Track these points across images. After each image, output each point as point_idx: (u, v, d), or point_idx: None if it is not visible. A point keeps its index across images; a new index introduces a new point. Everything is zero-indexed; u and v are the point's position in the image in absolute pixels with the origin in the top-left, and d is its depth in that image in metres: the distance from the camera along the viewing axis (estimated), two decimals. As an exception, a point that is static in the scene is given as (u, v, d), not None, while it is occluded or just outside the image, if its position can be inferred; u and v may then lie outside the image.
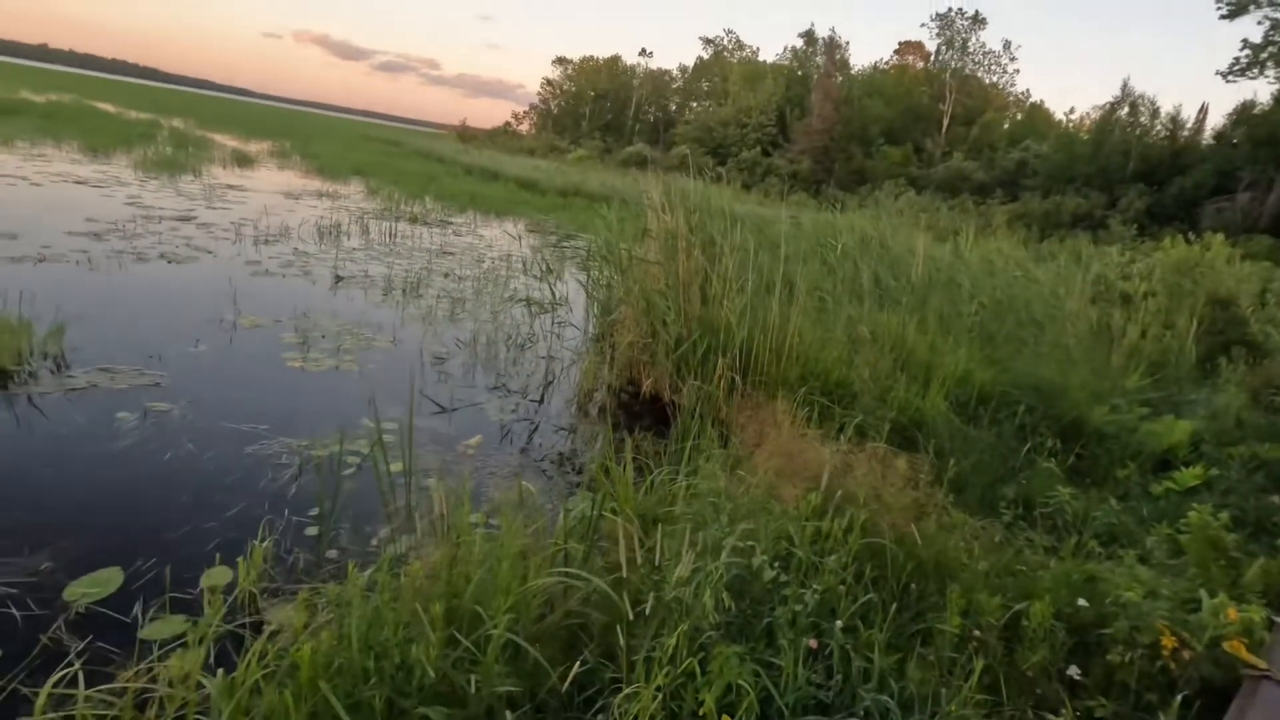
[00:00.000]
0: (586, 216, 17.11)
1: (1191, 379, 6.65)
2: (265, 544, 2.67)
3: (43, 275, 6.05)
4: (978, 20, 52.57)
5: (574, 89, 71.92)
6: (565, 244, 13.32)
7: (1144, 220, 26.88)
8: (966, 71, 52.59)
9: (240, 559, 2.54)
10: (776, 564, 2.07)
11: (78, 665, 1.89)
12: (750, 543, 2.09)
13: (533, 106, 76.88)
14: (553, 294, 7.76)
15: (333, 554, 2.91)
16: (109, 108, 32.40)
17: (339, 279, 7.79)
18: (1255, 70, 29.01)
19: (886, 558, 2.40)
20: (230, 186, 13.82)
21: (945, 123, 48.93)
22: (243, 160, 19.27)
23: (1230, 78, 29.77)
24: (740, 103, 52.66)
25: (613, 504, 2.66)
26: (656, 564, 2.09)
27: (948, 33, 53.31)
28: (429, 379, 5.23)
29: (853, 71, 55.37)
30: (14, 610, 2.32)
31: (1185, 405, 5.53)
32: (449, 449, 4.11)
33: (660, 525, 2.35)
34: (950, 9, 53.07)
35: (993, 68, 54.09)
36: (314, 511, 3.17)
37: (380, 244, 10.33)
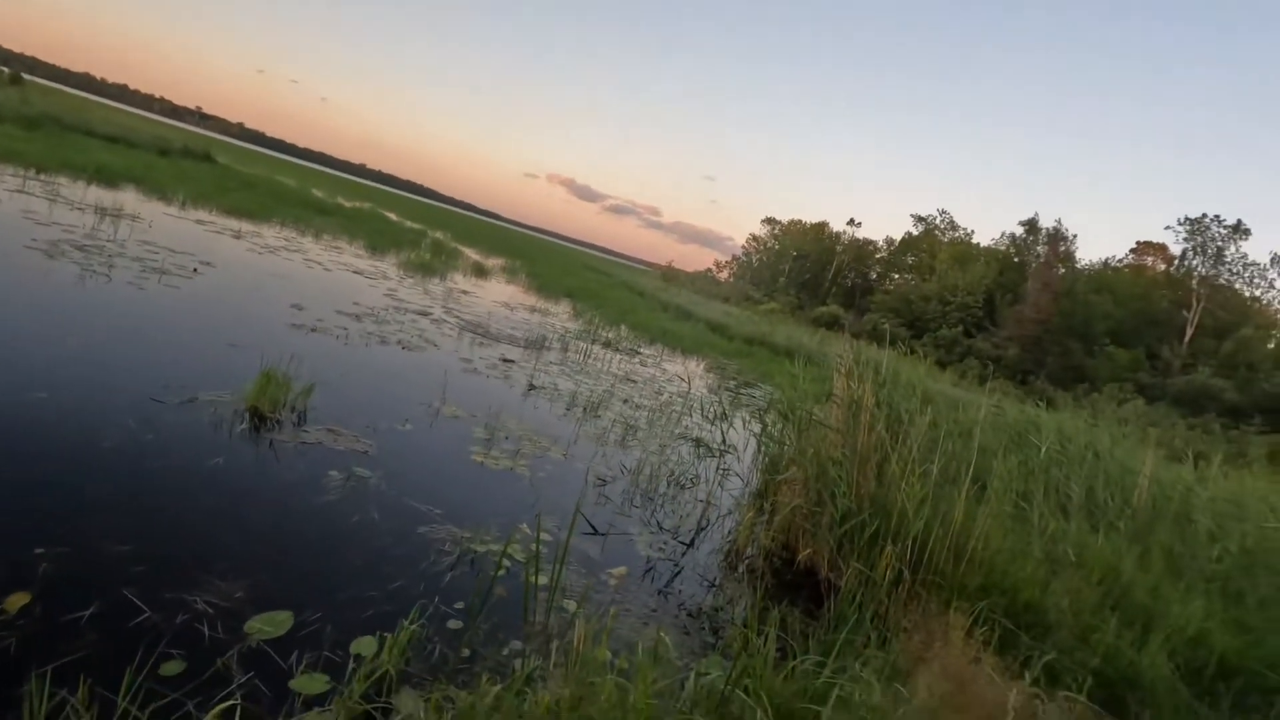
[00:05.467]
0: (767, 366, 17.25)
1: None
2: (413, 627, 2.81)
3: (311, 342, 7.31)
4: (1239, 230, 47.64)
5: (777, 247, 75.32)
6: (742, 390, 13.44)
7: None
8: (1220, 280, 47.20)
9: (388, 635, 2.69)
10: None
11: (237, 698, 2.07)
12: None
13: (735, 258, 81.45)
14: (723, 438, 7.77)
15: (467, 653, 2.97)
16: (393, 216, 39.71)
17: (532, 387, 8.49)
18: None
19: None
20: (465, 292, 15.99)
21: (1189, 332, 43.69)
22: (479, 271, 22.33)
23: None
24: (946, 280, 51.53)
25: (747, 681, 2.46)
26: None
27: (1199, 238, 48.74)
28: (589, 498, 5.38)
29: (1078, 265, 52.16)
30: (205, 629, 2.63)
31: None
32: (593, 574, 4.12)
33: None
34: (1205, 214, 48.74)
35: (1254, 281, 48.04)
36: (459, 605, 3.29)
37: (574, 362, 11.19)
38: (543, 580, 3.54)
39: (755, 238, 78.83)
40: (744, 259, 79.23)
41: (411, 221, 40.40)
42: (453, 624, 3.16)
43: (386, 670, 2.59)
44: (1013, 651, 3.63)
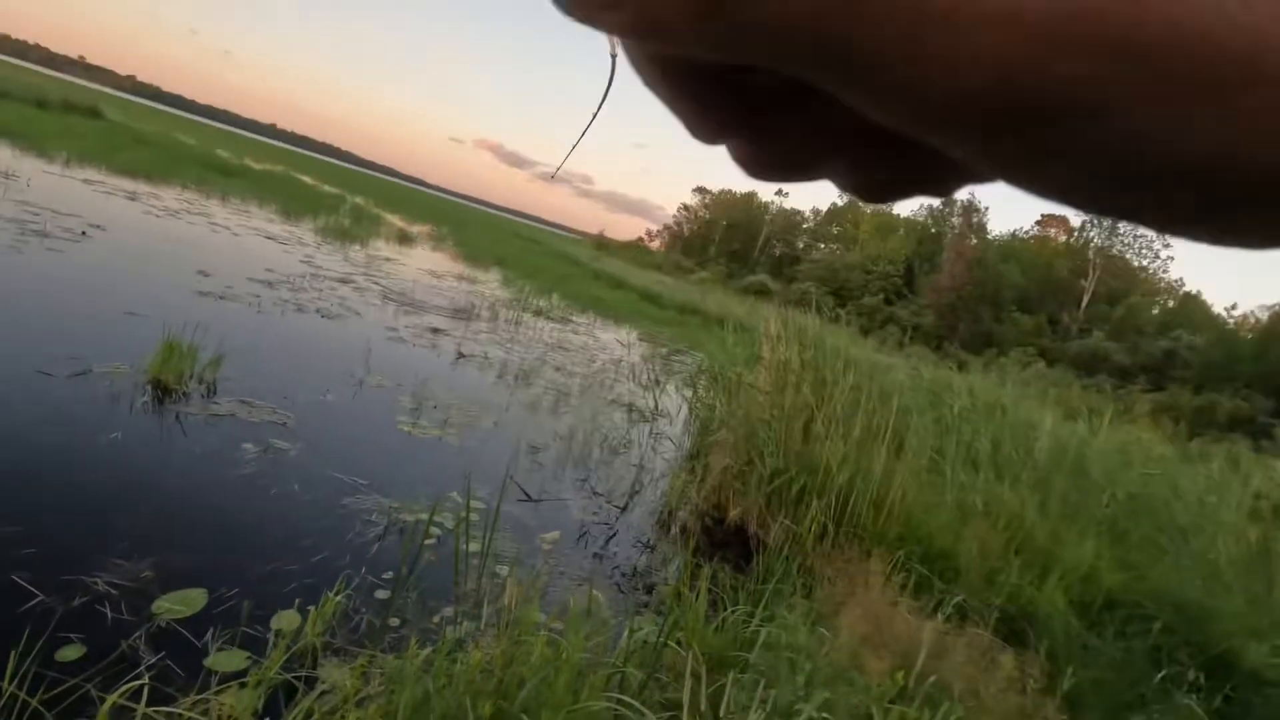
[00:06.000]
0: (700, 334, 17.47)
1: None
2: (338, 598, 2.73)
3: (219, 310, 6.87)
4: (1130, 203, 51.26)
5: (708, 216, 75.90)
6: (674, 358, 13.57)
7: (1320, 437, 23.88)
8: (1114, 251, 50.81)
9: (311, 608, 2.60)
10: (852, 747, 1.85)
11: (146, 679, 1.96)
12: (826, 716, 1.89)
13: (666, 227, 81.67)
14: (655, 404, 7.84)
15: (396, 622, 2.91)
16: (309, 180, 37.60)
17: (461, 355, 8.30)
18: None
19: (981, 770, 2.09)
20: (388, 259, 15.38)
21: (1085, 299, 46.94)
22: (404, 238, 21.50)
23: None
24: (868, 250, 53.33)
25: (680, 634, 2.52)
26: (720, 715, 1.92)
27: (1096, 211, 52.25)
28: (521, 465, 5.33)
29: (989, 236, 54.97)
30: (108, 610, 2.46)
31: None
32: (527, 539, 4.10)
33: (730, 672, 2.18)
34: (1102, 189, 52.00)
35: (1143, 251, 51.99)
36: (388, 575, 3.22)
37: (504, 331, 10.99)
38: (475, 547, 3.49)
39: (687, 207, 79.23)
40: (675, 229, 79.56)
41: (329, 186, 38.39)
42: (381, 594, 3.08)
43: (311, 642, 2.51)
44: (927, 594, 3.86)
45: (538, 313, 14.12)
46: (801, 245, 71.15)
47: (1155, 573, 5.22)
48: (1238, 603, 4.95)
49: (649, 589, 4.07)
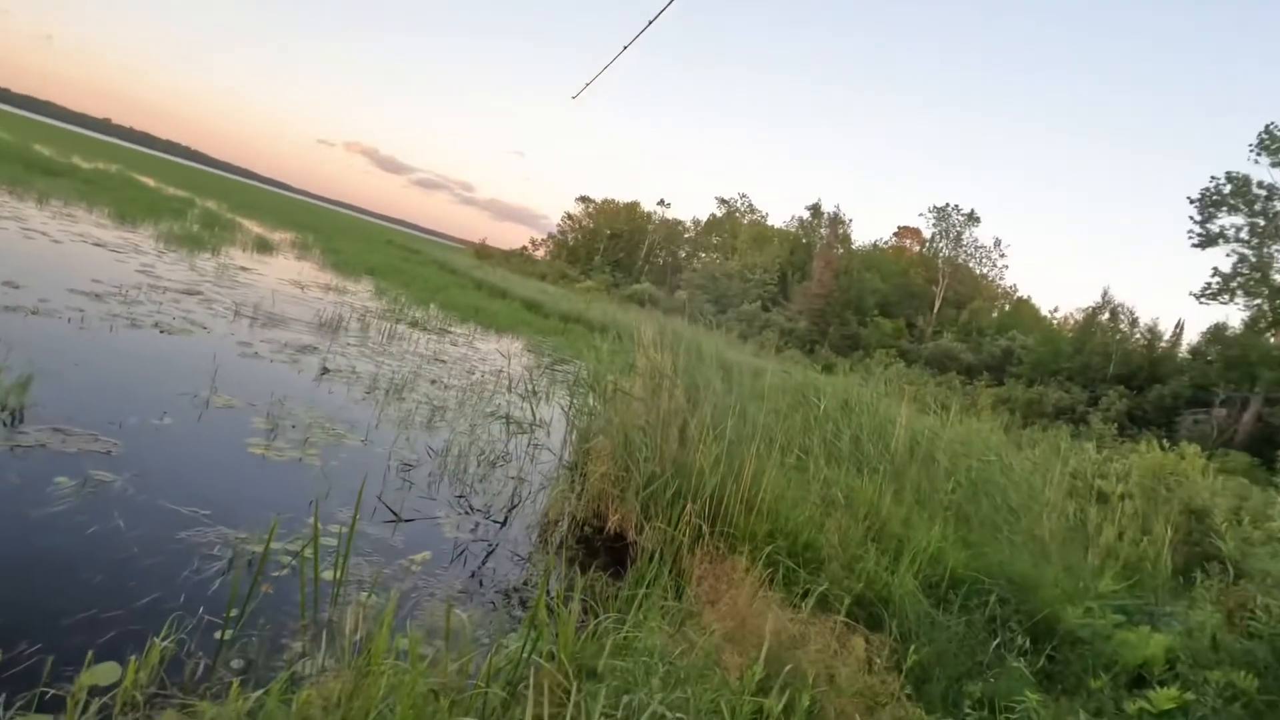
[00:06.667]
0: (584, 343, 17.48)
1: (1168, 589, 6.47)
2: (166, 643, 2.46)
3: (30, 327, 6.05)
4: (972, 218, 56.94)
5: (592, 225, 76.26)
6: (557, 367, 13.48)
7: (1124, 421, 27.57)
8: (960, 260, 56.15)
9: (134, 658, 2.32)
10: (705, 743, 1.89)
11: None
12: (679, 716, 1.92)
13: (550, 236, 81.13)
14: (534, 415, 7.74)
15: (239, 663, 2.67)
16: (150, 181, 34.05)
17: (325, 371, 7.79)
18: (1225, 296, 31.06)
19: (831, 750, 2.20)
20: (244, 269, 14.20)
21: (937, 304, 51.53)
22: (263, 246, 19.94)
23: (1203, 299, 31.79)
24: (746, 259, 55.68)
25: (552, 647, 2.48)
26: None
27: (943, 224, 57.54)
28: (390, 485, 5.07)
29: (853, 246, 59.06)
30: None
31: (1161, 617, 5.34)
32: (393, 562, 3.90)
33: (597, 682, 2.17)
34: (947, 204, 57.75)
35: (984, 260, 57.88)
36: (234, 613, 2.94)
37: (376, 344, 10.45)
38: (332, 576, 3.27)
39: (571, 216, 79.10)
40: (560, 237, 79.22)
41: (174, 188, 34.94)
42: (225, 634, 2.81)
43: (131, 694, 2.24)
44: (795, 586, 4.05)
45: (413, 324, 13.55)
46: (683, 254, 73.09)
47: (992, 550, 5.77)
48: (1057, 571, 5.58)
49: (525, 604, 3.99)
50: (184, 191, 34.08)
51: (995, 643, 4.30)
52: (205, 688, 2.38)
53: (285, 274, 15.82)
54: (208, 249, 15.33)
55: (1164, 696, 3.78)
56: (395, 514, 4.56)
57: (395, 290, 18.09)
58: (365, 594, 3.20)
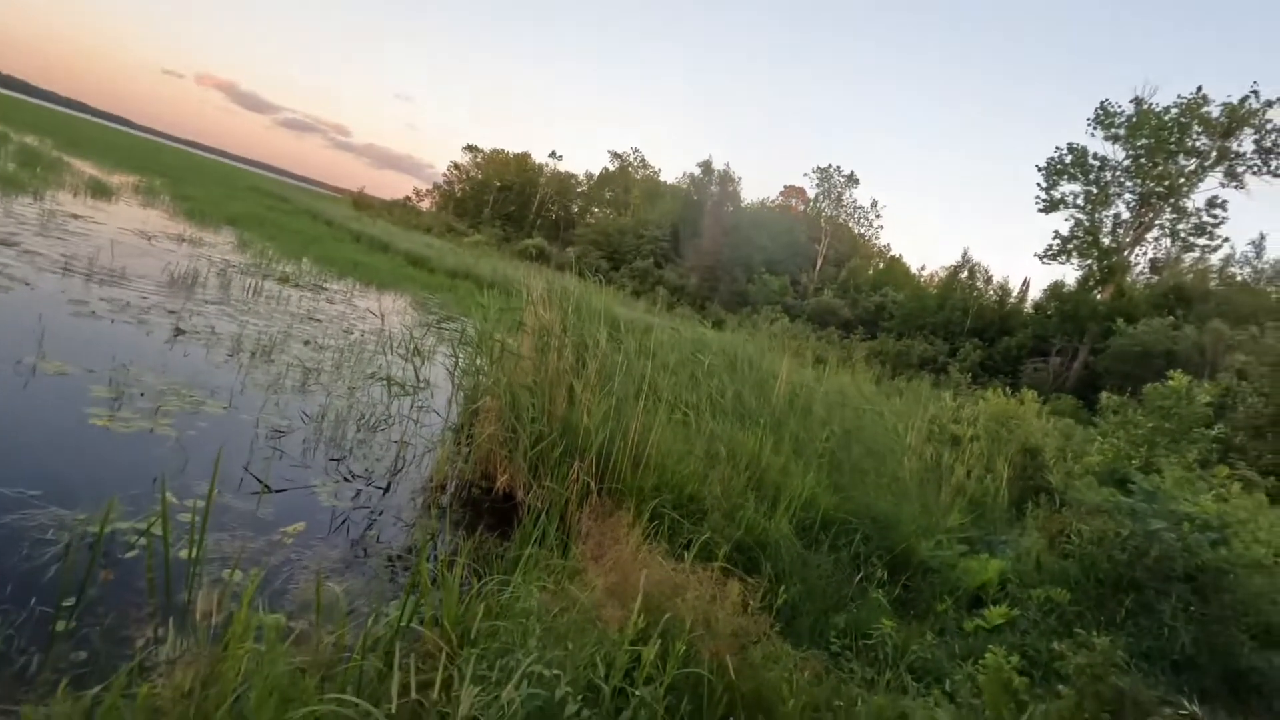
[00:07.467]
0: (472, 300, 16.95)
1: (1005, 520, 7.32)
2: (-13, 641, 2.20)
3: None
4: (851, 179, 59.73)
5: (480, 177, 73.23)
6: (443, 326, 13.02)
7: (978, 371, 30.48)
8: (840, 220, 58.98)
9: (-55, 660, 2.07)
10: (583, 696, 1.95)
11: None
12: (556, 672, 1.96)
13: (436, 186, 77.19)
14: (416, 375, 7.46)
15: (82, 655, 2.44)
16: (-52, 110, 29.03)
17: (179, 332, 7.10)
18: (1064, 257, 34.73)
19: (705, 689, 2.34)
20: (75, 216, 12.53)
21: (819, 262, 54.05)
22: (99, 190, 17.63)
23: (1045, 260, 35.36)
24: (639, 215, 55.67)
25: (435, 613, 2.44)
26: (454, 691, 1.90)
27: (825, 184, 60.01)
28: (259, 454, 4.75)
29: (743, 204, 60.47)
30: None
31: (998, 545, 6.04)
32: (264, 535, 3.69)
33: (478, 645, 2.17)
34: (830, 165, 60.14)
35: (861, 220, 61.09)
36: (70, 602, 2.68)
37: (239, 302, 9.61)
38: (192, 554, 3.04)
39: (458, 166, 75.36)
40: (446, 189, 75.45)
41: (-18, 119, 30.00)
42: (61, 625, 2.56)
43: (-56, 704, 2.00)
44: (679, 537, 4.22)
45: (284, 280, 12.58)
46: (576, 209, 71.93)
47: (859, 492, 6.26)
48: (914, 508, 6.14)
49: (409, 570, 3.91)
50: (-6, 123, 29.35)
51: (859, 577, 4.70)
52: (34, 687, 2.16)
53: (128, 223, 14.11)
54: (28, 192, 13.36)
55: (995, 614, 4.30)
56: (264, 484, 4.29)
57: (261, 242, 16.63)
58: (228, 572, 3.00)
